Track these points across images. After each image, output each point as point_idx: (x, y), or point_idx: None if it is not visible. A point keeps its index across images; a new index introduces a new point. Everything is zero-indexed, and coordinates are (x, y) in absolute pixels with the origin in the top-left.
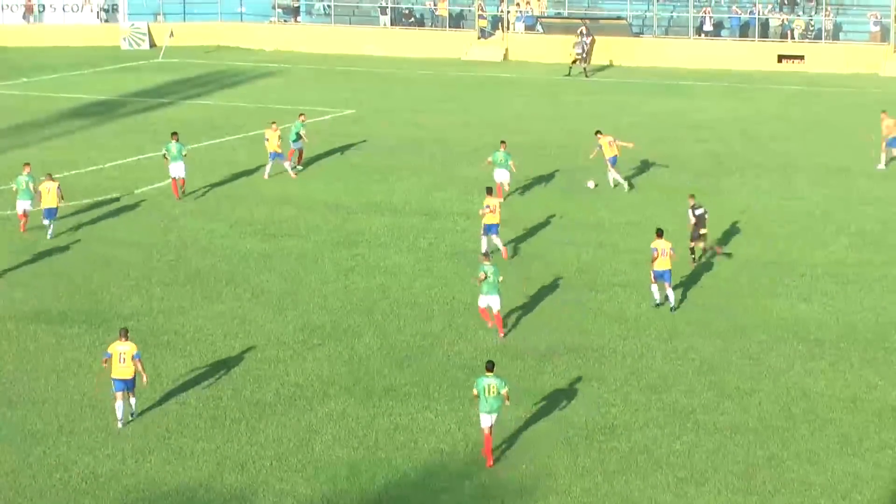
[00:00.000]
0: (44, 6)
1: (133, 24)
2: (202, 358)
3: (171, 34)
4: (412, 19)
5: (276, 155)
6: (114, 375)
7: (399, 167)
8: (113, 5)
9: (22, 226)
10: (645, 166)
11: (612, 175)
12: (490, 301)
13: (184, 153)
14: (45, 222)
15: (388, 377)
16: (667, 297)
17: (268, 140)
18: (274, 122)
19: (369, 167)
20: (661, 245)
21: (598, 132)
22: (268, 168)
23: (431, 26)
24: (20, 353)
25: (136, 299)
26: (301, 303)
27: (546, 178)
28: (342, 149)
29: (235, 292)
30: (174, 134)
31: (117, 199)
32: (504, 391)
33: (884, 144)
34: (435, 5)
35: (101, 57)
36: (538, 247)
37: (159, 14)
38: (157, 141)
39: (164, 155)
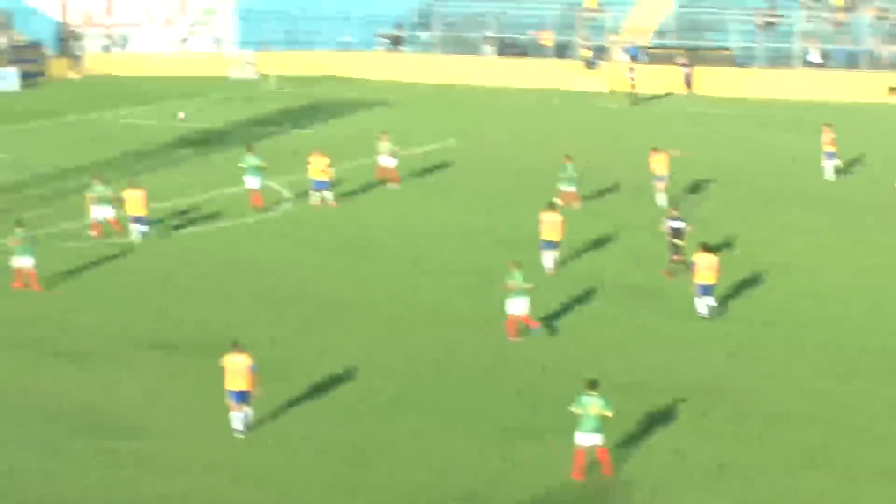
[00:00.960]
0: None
1: (241, 54)
2: (305, 386)
3: (273, 79)
4: (516, 49)
5: (319, 183)
6: (228, 387)
7: (504, 195)
8: (222, 35)
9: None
10: (765, 198)
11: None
12: (518, 305)
13: (253, 164)
14: (137, 227)
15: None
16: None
17: (311, 165)
18: (319, 151)
19: (477, 196)
20: (705, 260)
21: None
22: (315, 196)
23: (536, 56)
24: (133, 382)
25: (245, 328)
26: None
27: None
28: (447, 178)
29: (339, 318)
30: (249, 146)
31: (227, 227)
32: (608, 413)
33: None
34: (539, 36)
35: (211, 86)
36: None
37: (267, 44)
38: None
39: (242, 166)
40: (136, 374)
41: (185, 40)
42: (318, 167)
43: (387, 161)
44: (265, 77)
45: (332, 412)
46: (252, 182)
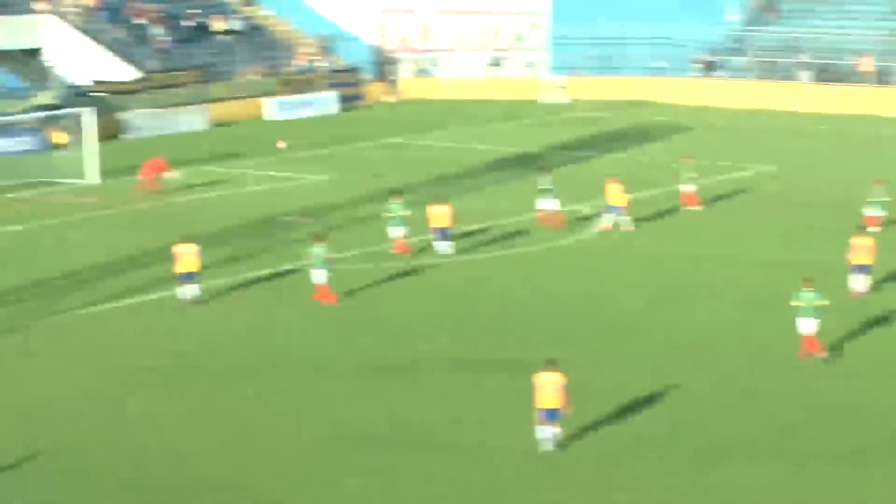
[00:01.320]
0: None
1: (553, 79)
2: (617, 407)
3: (575, 101)
4: (833, 75)
5: (613, 208)
6: (539, 405)
7: (821, 226)
8: (534, 60)
9: (399, 249)
10: None
11: None
12: (807, 325)
13: (547, 187)
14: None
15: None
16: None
17: (608, 190)
18: (616, 177)
19: (789, 224)
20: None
21: None
22: (604, 219)
23: (854, 83)
24: (445, 401)
25: (557, 349)
26: (722, 360)
27: None
28: (760, 205)
29: (649, 342)
30: (543, 168)
31: (533, 249)
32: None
33: None
34: (859, 62)
35: (522, 110)
36: None
37: (578, 68)
38: (573, 195)
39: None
40: (444, 391)
41: (497, 64)
42: (615, 192)
43: (687, 187)
44: (576, 101)
45: (648, 439)
46: (546, 204)
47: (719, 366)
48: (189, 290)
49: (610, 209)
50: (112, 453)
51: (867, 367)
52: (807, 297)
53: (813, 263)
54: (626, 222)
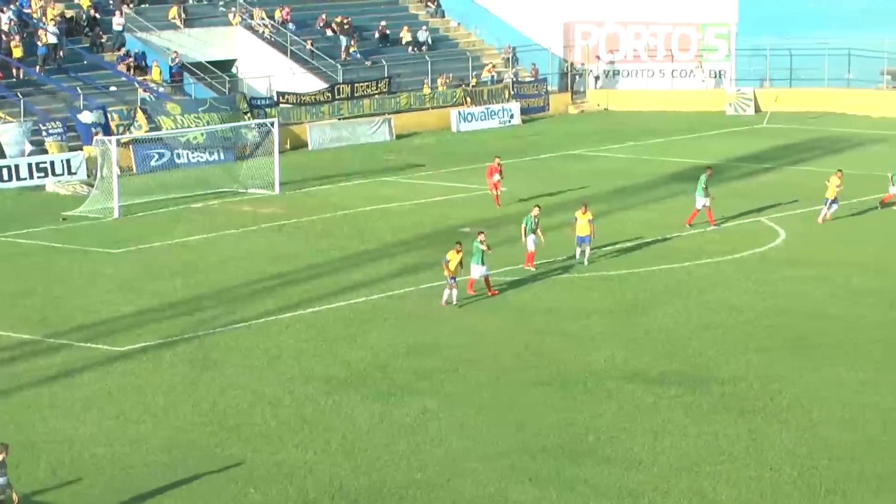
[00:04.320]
0: (653, 72)
1: (739, 90)
2: (798, 425)
3: (777, 99)
4: None
5: (833, 202)
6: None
7: None
8: (721, 71)
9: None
10: None
11: None
12: None
13: (703, 186)
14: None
15: None
16: None
17: (828, 184)
18: (840, 170)
19: None
20: None
21: None
22: (823, 212)
23: None
24: (618, 412)
25: (734, 364)
26: None
27: None
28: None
29: (835, 361)
30: (708, 168)
31: (715, 262)
32: None
33: None
34: None
35: (707, 122)
36: None
37: (765, 80)
38: (759, 206)
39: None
40: (617, 403)
41: (683, 76)
42: (833, 185)
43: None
44: (763, 113)
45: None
46: (699, 202)
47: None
48: (451, 293)
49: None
50: (296, 458)
51: None
52: None
53: None
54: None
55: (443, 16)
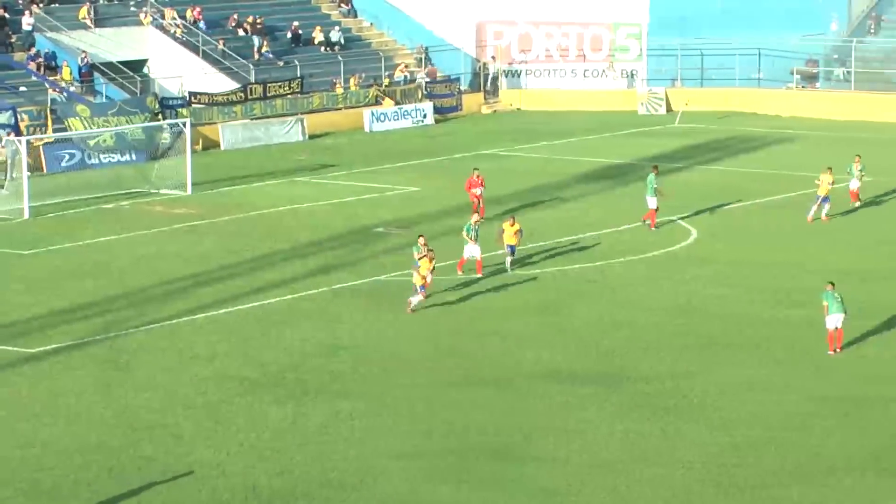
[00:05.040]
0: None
1: (651, 90)
2: (715, 424)
3: (687, 103)
4: None
5: (824, 199)
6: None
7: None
8: (632, 71)
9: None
10: None
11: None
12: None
13: (654, 186)
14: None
15: None
16: None
17: (819, 183)
18: (830, 168)
19: (884, 237)
20: None
21: None
22: (812, 209)
23: None
24: (532, 411)
25: (647, 362)
26: (812, 372)
27: None
28: (858, 217)
29: (746, 358)
30: (654, 167)
31: (629, 262)
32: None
33: None
34: None
35: (619, 122)
36: None
37: (677, 79)
38: (671, 206)
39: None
40: (531, 402)
41: (595, 76)
42: (826, 183)
43: (855, 183)
44: (674, 113)
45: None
46: (651, 202)
47: (804, 380)
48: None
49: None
50: (209, 459)
51: None
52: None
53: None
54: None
55: (355, 16)
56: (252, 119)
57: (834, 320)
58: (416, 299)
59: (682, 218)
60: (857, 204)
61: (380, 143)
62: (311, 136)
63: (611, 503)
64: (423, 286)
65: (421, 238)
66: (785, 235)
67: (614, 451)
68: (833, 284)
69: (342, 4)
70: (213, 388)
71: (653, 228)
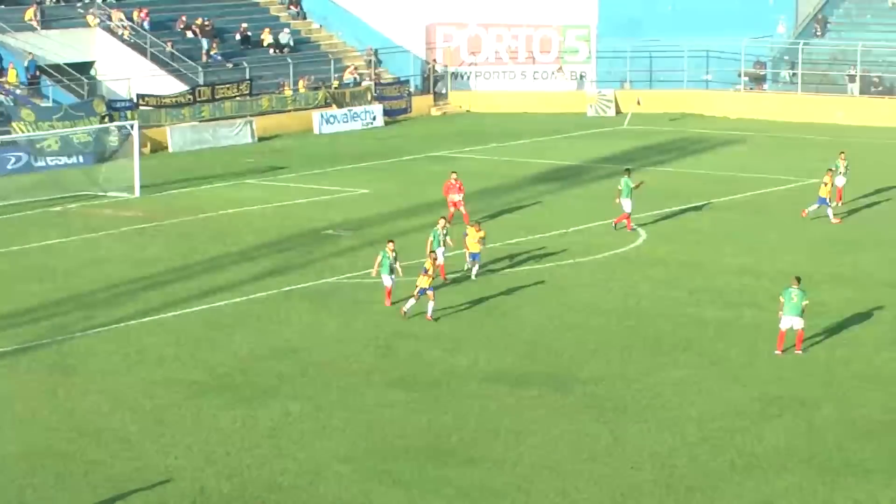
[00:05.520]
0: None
1: (600, 92)
2: (660, 424)
3: (639, 102)
4: (881, 88)
5: (823, 200)
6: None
7: (866, 238)
8: (582, 73)
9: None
10: None
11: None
12: (791, 322)
13: (631, 186)
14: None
15: (849, 452)
16: None
17: (825, 184)
18: (831, 170)
19: (834, 238)
20: None
21: None
22: (811, 207)
23: None
24: (481, 413)
25: (600, 363)
26: (756, 372)
27: None
28: (805, 218)
29: (693, 359)
30: (627, 170)
31: (578, 264)
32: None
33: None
34: None
35: (568, 123)
36: None
37: (626, 82)
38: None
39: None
40: (480, 404)
41: (545, 78)
42: (829, 182)
43: (840, 180)
44: (623, 115)
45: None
46: (626, 204)
47: (755, 380)
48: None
49: (820, 201)
50: (157, 464)
51: None
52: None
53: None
54: (831, 214)
55: (304, 18)
56: (200, 121)
57: (788, 321)
58: (412, 303)
59: (632, 219)
60: (839, 204)
61: (329, 145)
62: (261, 139)
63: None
64: (422, 290)
65: (390, 244)
66: (734, 237)
67: (563, 453)
68: (799, 280)
69: (291, 6)
70: (161, 391)
71: (629, 230)
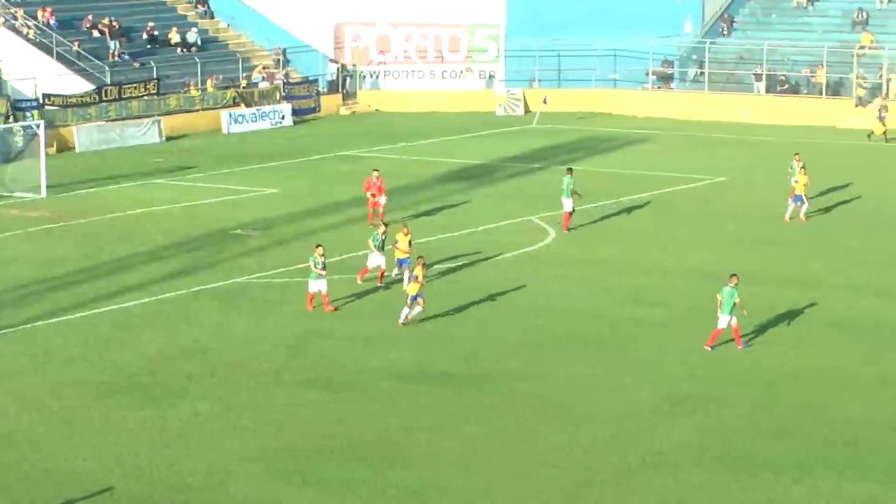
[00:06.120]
0: (424, 73)
1: (509, 91)
2: (572, 422)
3: (545, 101)
4: (787, 87)
5: (797, 198)
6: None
7: (773, 236)
8: (491, 72)
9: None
10: None
11: None
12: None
13: (572, 188)
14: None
15: (760, 449)
16: None
17: (797, 182)
18: (804, 167)
19: (742, 236)
20: None
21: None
22: (790, 210)
23: (807, 94)
24: (396, 412)
25: (512, 362)
26: (667, 370)
27: None
28: (712, 216)
29: (604, 358)
30: (569, 169)
31: (488, 261)
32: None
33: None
34: (812, 73)
35: (478, 123)
36: None
37: (534, 81)
38: (529, 206)
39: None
40: (395, 403)
41: (454, 77)
42: (802, 181)
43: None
44: (532, 114)
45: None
46: (566, 204)
47: (665, 378)
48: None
49: (797, 198)
50: (66, 465)
51: None
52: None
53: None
54: (802, 212)
55: (212, 17)
56: (107, 121)
57: (725, 320)
58: (406, 312)
59: (541, 218)
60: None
61: (238, 144)
62: (169, 138)
63: (473, 503)
64: (414, 297)
65: (319, 248)
66: (642, 236)
67: (478, 451)
68: (736, 277)
69: (199, 5)
70: (69, 392)
71: (565, 231)
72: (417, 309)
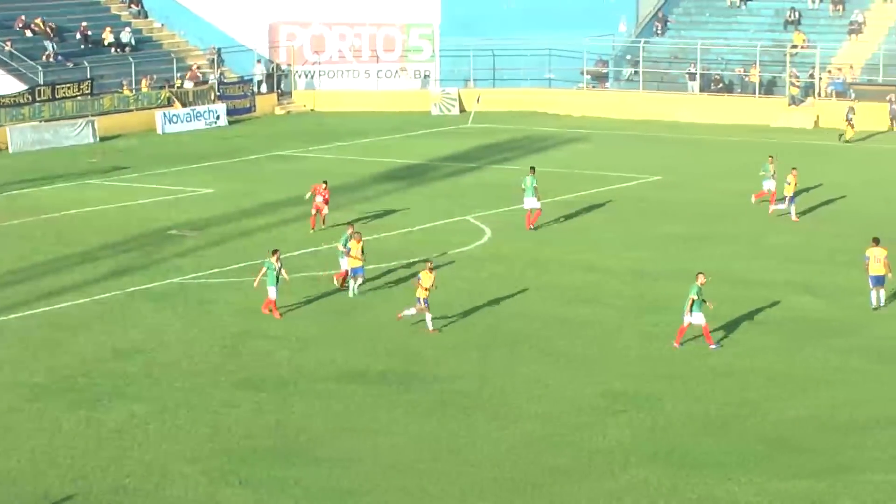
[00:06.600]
0: (359, 73)
1: (444, 91)
2: (507, 421)
3: (479, 100)
4: (721, 86)
5: (791, 199)
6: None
7: (707, 234)
8: (426, 71)
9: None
10: None
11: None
12: (695, 318)
13: (534, 187)
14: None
15: (693, 446)
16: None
17: (788, 183)
18: (795, 169)
19: (678, 234)
20: (875, 253)
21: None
22: (773, 207)
23: (741, 93)
24: (335, 412)
25: (450, 362)
26: (603, 368)
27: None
28: (648, 215)
29: (540, 356)
30: (532, 168)
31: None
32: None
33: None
34: (746, 72)
35: (413, 122)
36: None
37: (469, 80)
38: (465, 205)
39: (522, 188)
40: (333, 403)
41: (389, 77)
42: (792, 182)
43: (768, 183)
44: (467, 113)
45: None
46: (529, 202)
47: (600, 376)
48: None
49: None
50: None
51: None
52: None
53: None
54: (793, 212)
55: (146, 17)
56: (41, 121)
57: (697, 318)
58: (410, 311)
59: (476, 217)
60: (772, 207)
61: (172, 144)
62: (103, 139)
63: (402, 503)
64: (425, 299)
65: (275, 254)
66: (579, 234)
67: (408, 451)
68: (703, 275)
69: (132, 5)
70: (2, 394)
71: (528, 228)
72: (417, 313)
